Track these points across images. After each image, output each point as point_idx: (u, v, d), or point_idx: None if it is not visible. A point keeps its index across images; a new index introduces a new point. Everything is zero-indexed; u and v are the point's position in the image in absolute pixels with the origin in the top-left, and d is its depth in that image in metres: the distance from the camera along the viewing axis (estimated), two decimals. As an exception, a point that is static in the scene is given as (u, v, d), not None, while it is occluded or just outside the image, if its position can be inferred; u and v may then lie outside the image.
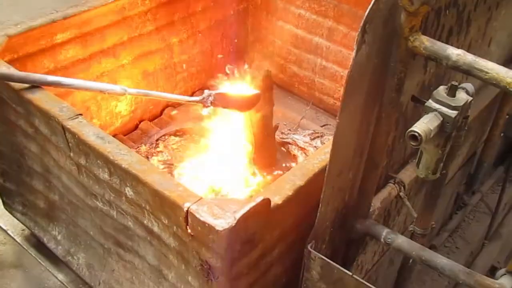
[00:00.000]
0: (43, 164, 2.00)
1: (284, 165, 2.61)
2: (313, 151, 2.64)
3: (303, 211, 1.62)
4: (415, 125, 1.24)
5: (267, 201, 1.48)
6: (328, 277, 1.53)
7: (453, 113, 1.28)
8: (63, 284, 2.26)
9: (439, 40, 1.31)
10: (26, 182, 2.16)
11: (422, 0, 1.21)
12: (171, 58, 2.79)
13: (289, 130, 2.85)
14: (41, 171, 2.04)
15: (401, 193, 1.75)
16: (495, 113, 2.41)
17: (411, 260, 1.76)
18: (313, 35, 2.90)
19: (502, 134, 2.56)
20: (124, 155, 1.64)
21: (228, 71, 2.44)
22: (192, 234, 1.49)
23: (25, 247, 2.41)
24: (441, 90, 1.31)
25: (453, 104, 1.28)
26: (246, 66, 2.45)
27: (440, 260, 1.52)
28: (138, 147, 2.64)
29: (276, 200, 1.53)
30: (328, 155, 1.39)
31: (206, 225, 1.42)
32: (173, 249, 1.64)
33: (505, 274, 1.47)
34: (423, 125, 1.25)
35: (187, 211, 1.46)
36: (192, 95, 2.93)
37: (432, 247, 2.30)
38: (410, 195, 1.93)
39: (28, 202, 2.24)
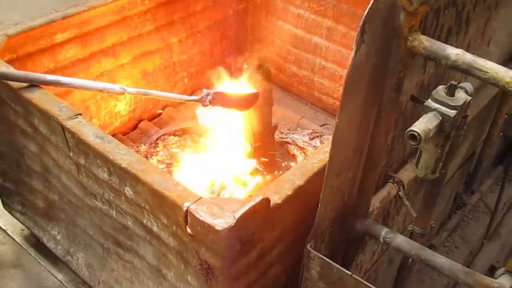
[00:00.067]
0: (43, 164, 2.00)
1: (283, 164, 2.61)
2: (312, 150, 2.64)
3: (302, 210, 1.61)
4: (414, 124, 1.25)
5: (266, 201, 1.48)
6: (327, 277, 1.53)
7: (452, 113, 1.28)
8: (63, 283, 2.26)
9: (438, 40, 1.31)
10: (26, 182, 2.16)
11: (421, 0, 1.21)
12: (170, 58, 2.79)
13: (289, 129, 2.85)
14: (40, 171, 2.04)
15: (400, 193, 1.75)
16: (494, 113, 2.42)
17: (410, 260, 1.76)
18: (312, 35, 2.90)
19: (501, 134, 2.56)
20: (123, 155, 1.64)
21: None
22: (191, 233, 1.49)
23: (24, 247, 2.41)
24: (440, 89, 1.31)
25: (452, 104, 1.28)
26: (245, 66, 2.44)
27: (439, 259, 1.52)
28: (137, 146, 2.65)
29: (276, 199, 1.53)
30: (327, 155, 1.39)
31: (206, 224, 1.42)
32: (173, 248, 1.64)
33: (504, 274, 1.48)
34: (422, 125, 1.25)
35: (187, 210, 1.46)
36: (191, 95, 2.93)
37: (431, 247, 2.30)
38: (409, 194, 1.93)
39: (27, 201, 2.24)
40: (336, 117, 1.32)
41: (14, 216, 2.37)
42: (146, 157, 2.55)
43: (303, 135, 2.79)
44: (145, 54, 2.65)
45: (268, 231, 1.58)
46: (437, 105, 1.29)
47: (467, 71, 1.23)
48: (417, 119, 1.28)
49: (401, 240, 1.58)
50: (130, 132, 2.76)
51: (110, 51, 2.48)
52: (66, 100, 1.99)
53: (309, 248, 1.52)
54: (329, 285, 1.54)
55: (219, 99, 2.23)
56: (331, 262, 1.50)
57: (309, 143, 2.74)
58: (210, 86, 2.36)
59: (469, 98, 1.32)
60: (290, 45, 3.01)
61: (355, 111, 1.38)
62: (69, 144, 1.77)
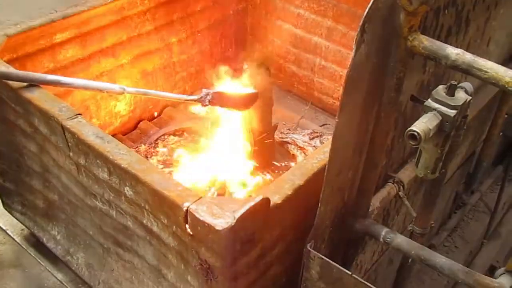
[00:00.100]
0: (43, 164, 2.00)
1: (283, 164, 2.61)
2: (312, 150, 2.64)
3: (302, 210, 1.62)
4: (414, 124, 1.25)
5: (266, 201, 1.48)
6: (327, 277, 1.53)
7: (452, 113, 1.28)
8: (63, 283, 2.26)
9: (438, 39, 1.31)
10: (26, 182, 2.16)
11: (421, 0, 1.21)
12: (170, 58, 2.80)
13: (288, 129, 2.85)
14: (40, 171, 2.04)
15: (400, 193, 1.75)
16: (494, 113, 2.42)
17: (410, 260, 1.76)
18: (312, 34, 2.90)
19: (501, 134, 2.56)
20: (123, 155, 1.64)
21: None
22: (191, 233, 1.49)
23: (24, 246, 2.41)
24: (440, 89, 1.31)
25: (452, 104, 1.28)
26: (245, 66, 2.44)
27: (439, 259, 1.52)
28: (137, 146, 2.65)
29: (276, 199, 1.53)
30: (327, 155, 1.39)
31: (206, 224, 1.42)
32: (173, 248, 1.64)
33: (504, 273, 1.48)
34: (422, 125, 1.25)
35: (187, 210, 1.46)
36: (191, 95, 2.93)
37: (431, 247, 2.30)
38: (409, 194, 1.93)
39: (27, 201, 2.24)
40: (336, 117, 1.32)
41: (14, 216, 2.37)
42: (146, 157, 2.55)
43: (303, 135, 2.79)
44: (145, 54, 2.65)
45: (268, 231, 1.58)
46: (437, 105, 1.29)
47: (467, 71, 1.23)
48: (417, 119, 1.28)
49: (401, 240, 1.58)
50: (130, 132, 2.76)
51: (110, 51, 2.48)
52: (66, 100, 2.00)
53: (309, 248, 1.52)
54: (329, 285, 1.54)
55: (219, 99, 2.23)
56: (331, 262, 1.50)
57: (309, 143, 2.74)
58: (210, 86, 2.36)
59: (469, 98, 1.32)
60: (290, 45, 3.01)
61: (355, 111, 1.38)
62: (69, 144, 1.77)
